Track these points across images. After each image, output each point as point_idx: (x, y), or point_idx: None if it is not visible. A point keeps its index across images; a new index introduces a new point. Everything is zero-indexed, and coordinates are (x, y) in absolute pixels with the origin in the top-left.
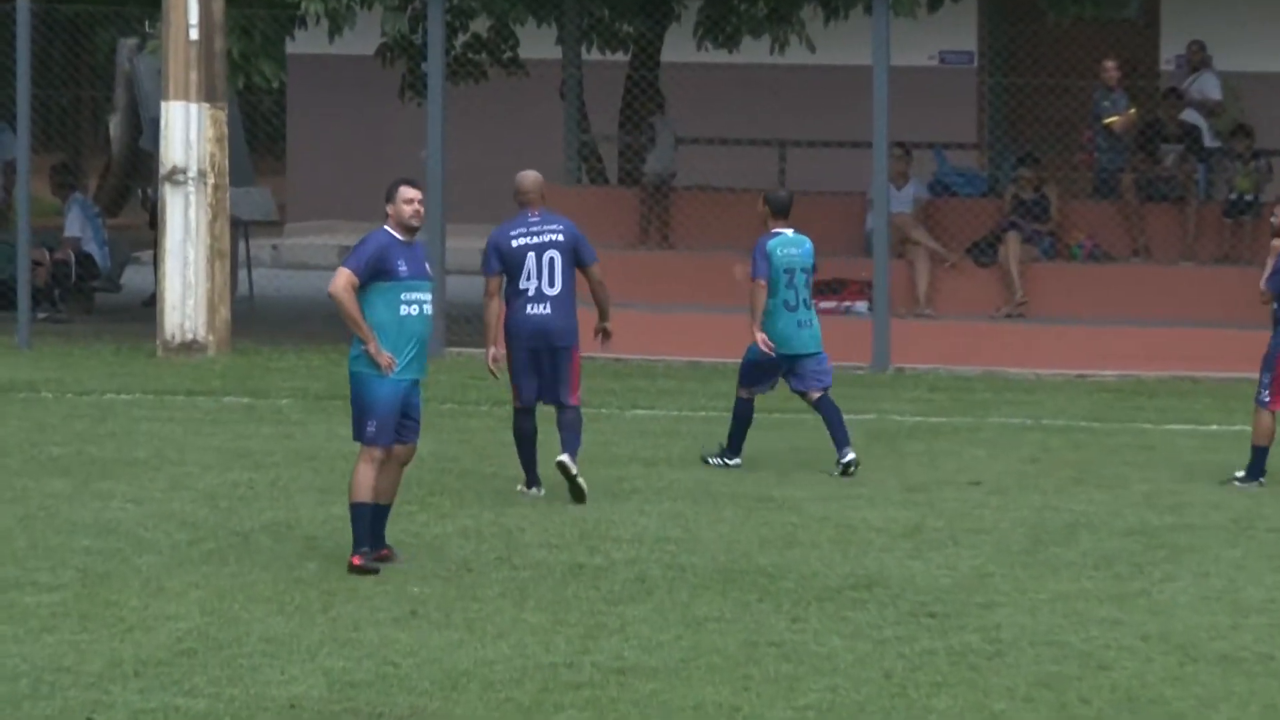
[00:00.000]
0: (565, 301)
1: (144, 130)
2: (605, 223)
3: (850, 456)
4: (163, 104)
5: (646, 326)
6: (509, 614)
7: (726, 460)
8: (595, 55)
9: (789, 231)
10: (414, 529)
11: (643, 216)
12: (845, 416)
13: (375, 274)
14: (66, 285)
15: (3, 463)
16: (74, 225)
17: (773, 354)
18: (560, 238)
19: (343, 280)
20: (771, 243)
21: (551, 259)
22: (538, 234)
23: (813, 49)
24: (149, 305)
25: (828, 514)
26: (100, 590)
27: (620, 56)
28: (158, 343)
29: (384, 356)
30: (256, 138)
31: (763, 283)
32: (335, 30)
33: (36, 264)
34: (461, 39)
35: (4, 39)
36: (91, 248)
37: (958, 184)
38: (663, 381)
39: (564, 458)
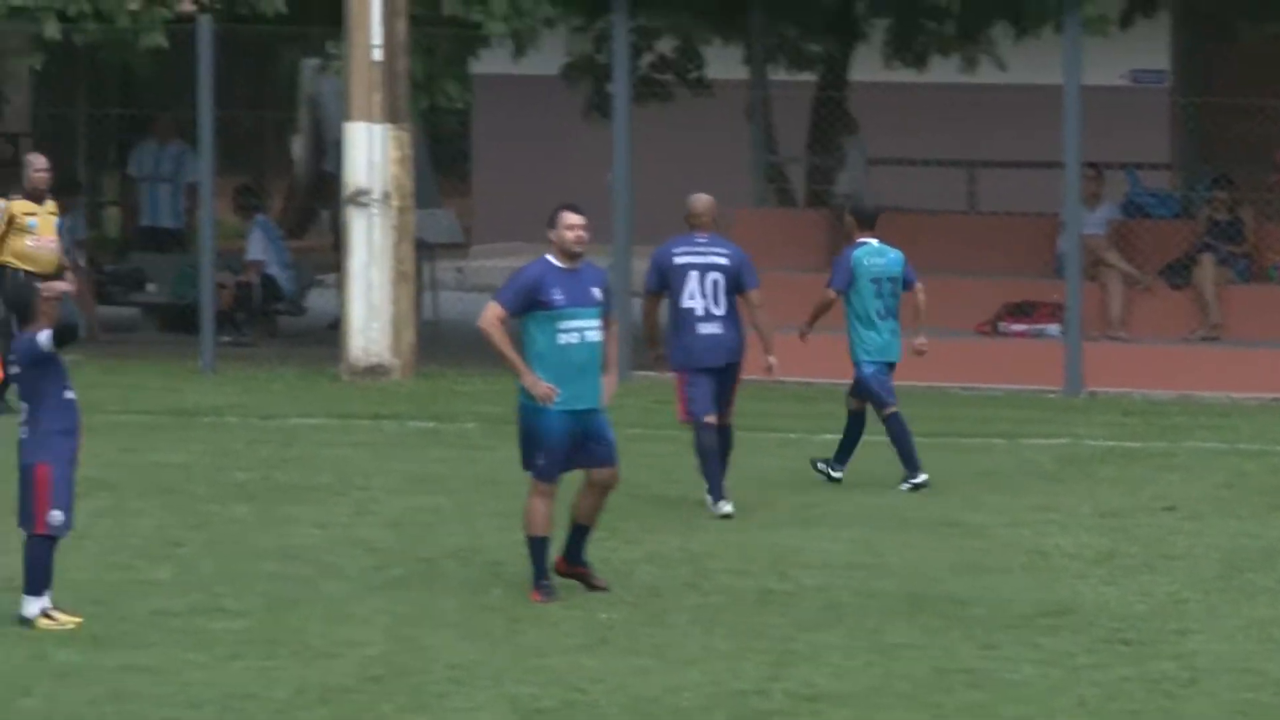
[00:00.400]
0: (732, 321)
1: (327, 152)
2: (792, 245)
3: (922, 478)
4: (346, 125)
5: (834, 350)
6: (698, 640)
7: (831, 471)
8: (782, 75)
9: (874, 242)
10: (602, 554)
11: (831, 239)
12: (1038, 441)
13: (530, 304)
14: (250, 309)
15: (188, 488)
16: (257, 248)
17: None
18: (726, 262)
19: (490, 314)
20: (857, 253)
21: (715, 281)
22: (703, 254)
23: (1003, 67)
24: (333, 329)
25: (1019, 539)
26: (286, 617)
27: (808, 76)
28: (342, 367)
29: (540, 388)
30: (441, 159)
31: (833, 293)
32: (520, 50)
33: (220, 287)
34: (647, 59)
35: (187, 60)
36: (275, 270)
37: (1151, 205)
38: None
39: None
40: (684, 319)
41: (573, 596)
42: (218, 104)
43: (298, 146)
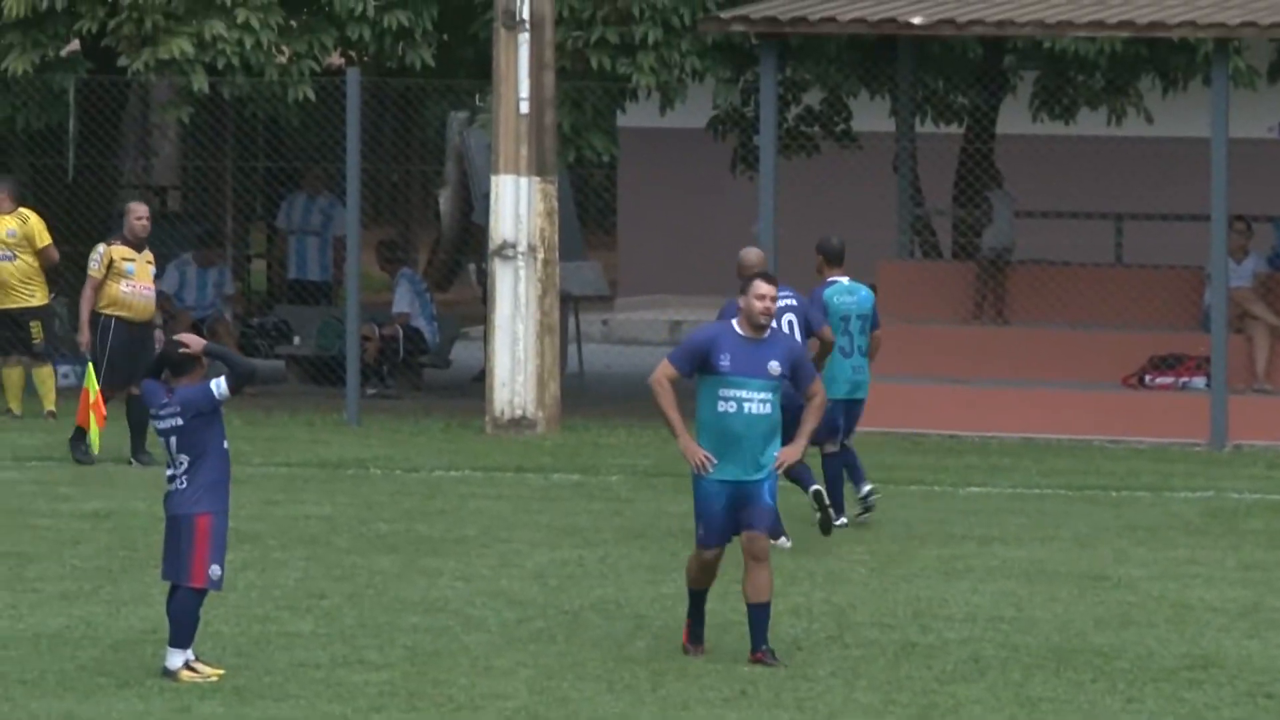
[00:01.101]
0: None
1: (474, 205)
2: (938, 297)
3: (868, 488)
4: (493, 178)
5: (980, 402)
6: (840, 693)
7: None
8: (929, 128)
9: (844, 279)
10: (741, 608)
11: (978, 291)
12: (1183, 494)
13: (701, 367)
14: (395, 361)
15: (331, 540)
16: (403, 301)
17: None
18: (794, 303)
19: (660, 371)
20: (828, 292)
21: (790, 322)
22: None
23: (1150, 120)
24: (478, 381)
25: (1164, 592)
26: (429, 669)
27: (954, 129)
28: (486, 419)
29: (693, 454)
30: (587, 211)
31: (829, 332)
32: (667, 103)
33: (365, 339)
34: (794, 111)
35: (335, 112)
36: (420, 323)
37: None
38: (996, 458)
39: (819, 487)
40: None
41: (717, 650)
42: (365, 157)
43: (444, 199)
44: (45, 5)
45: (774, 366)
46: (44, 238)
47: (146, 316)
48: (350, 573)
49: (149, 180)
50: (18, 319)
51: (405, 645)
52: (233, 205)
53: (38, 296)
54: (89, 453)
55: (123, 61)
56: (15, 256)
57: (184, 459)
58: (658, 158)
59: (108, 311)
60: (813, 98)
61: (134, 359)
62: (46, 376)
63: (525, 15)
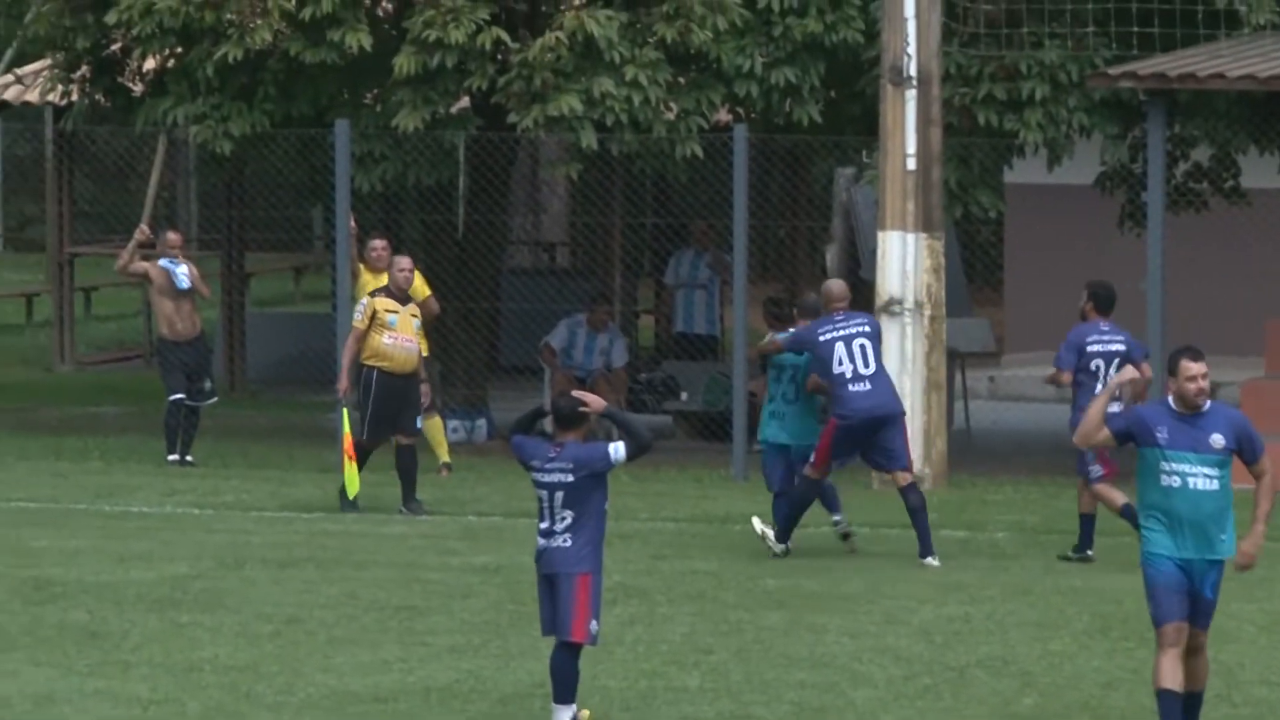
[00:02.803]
0: (883, 376)
1: (861, 261)
2: None
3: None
4: (879, 234)
5: None
6: None
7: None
8: None
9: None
10: (1132, 665)
11: None
12: None
13: (1138, 439)
14: None
15: (719, 595)
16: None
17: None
18: (868, 328)
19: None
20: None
21: (862, 345)
22: (844, 327)
23: None
24: None
25: None
26: None
27: None
28: (873, 475)
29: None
30: (974, 268)
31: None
32: (1054, 160)
33: (751, 395)
34: (1182, 168)
35: (722, 168)
36: None
37: None
38: None
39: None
40: (838, 383)
41: (1103, 706)
42: (751, 213)
43: (830, 255)
44: (436, 63)
45: (1216, 439)
46: (424, 290)
47: (409, 369)
48: (737, 628)
49: (538, 236)
50: None
51: (792, 701)
52: (620, 261)
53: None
54: (353, 503)
55: (512, 118)
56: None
57: (568, 515)
58: (1045, 214)
59: (370, 363)
60: (1201, 154)
61: (398, 411)
62: (436, 429)
63: (912, 72)
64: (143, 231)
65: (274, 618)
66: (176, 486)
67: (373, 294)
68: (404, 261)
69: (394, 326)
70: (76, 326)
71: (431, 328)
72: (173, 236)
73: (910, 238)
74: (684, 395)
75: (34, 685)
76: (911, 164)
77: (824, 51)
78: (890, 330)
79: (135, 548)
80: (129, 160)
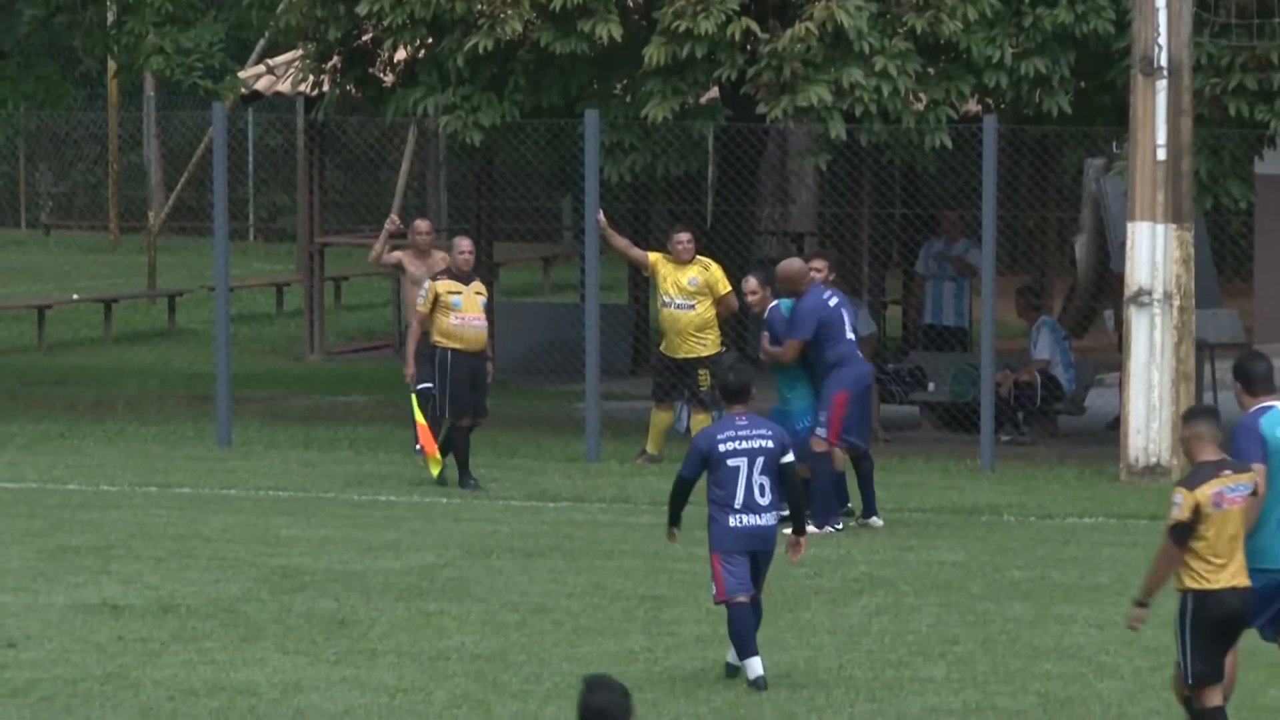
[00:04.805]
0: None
1: (1111, 252)
2: None
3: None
4: (1129, 225)
5: None
6: None
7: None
8: None
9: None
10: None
11: None
12: None
13: None
14: (1031, 408)
15: (965, 586)
16: (1044, 348)
17: None
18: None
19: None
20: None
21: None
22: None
23: None
24: (1112, 429)
25: None
26: (1060, 715)
27: None
28: (1121, 466)
29: None
30: (1223, 258)
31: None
32: None
33: (998, 385)
34: None
35: (971, 159)
36: (1058, 371)
37: None
38: None
39: None
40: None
41: None
42: (1001, 203)
43: (1080, 246)
44: (685, 53)
45: None
46: (724, 285)
47: (479, 346)
48: (983, 619)
49: (786, 226)
50: (684, 367)
51: (1038, 692)
52: (869, 251)
53: (710, 345)
54: (474, 482)
55: (761, 109)
56: (694, 305)
57: (765, 481)
58: None
59: (443, 344)
60: None
61: (473, 388)
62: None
63: (1163, 62)
64: (393, 222)
65: (520, 607)
66: (423, 476)
67: (434, 277)
68: (464, 243)
69: (458, 307)
70: (326, 316)
71: (724, 321)
72: (422, 226)
73: (1160, 229)
74: (931, 386)
75: (282, 673)
76: (1161, 154)
77: (1074, 42)
78: (1139, 321)
79: (383, 537)
80: (379, 150)
